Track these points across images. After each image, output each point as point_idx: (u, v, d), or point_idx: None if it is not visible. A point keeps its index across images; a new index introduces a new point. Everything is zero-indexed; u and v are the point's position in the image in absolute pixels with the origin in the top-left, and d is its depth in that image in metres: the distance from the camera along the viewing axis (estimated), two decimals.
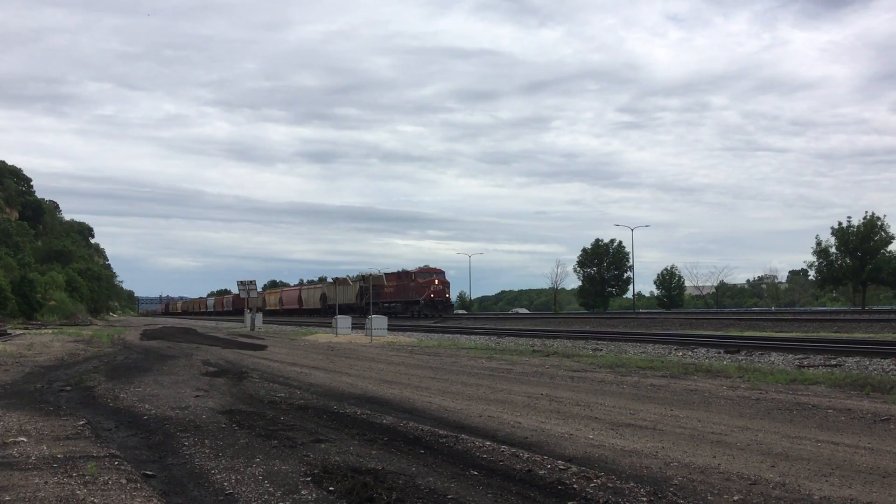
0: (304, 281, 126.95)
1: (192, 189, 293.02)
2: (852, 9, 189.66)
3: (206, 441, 7.42)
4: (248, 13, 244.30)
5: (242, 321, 50.04)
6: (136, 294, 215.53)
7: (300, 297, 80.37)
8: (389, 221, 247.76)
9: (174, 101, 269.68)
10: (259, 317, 44.99)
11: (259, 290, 65.70)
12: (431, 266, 59.60)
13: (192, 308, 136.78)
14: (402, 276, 58.57)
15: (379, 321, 29.30)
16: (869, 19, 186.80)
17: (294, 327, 44.60)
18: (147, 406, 10.02)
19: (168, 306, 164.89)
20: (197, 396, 10.95)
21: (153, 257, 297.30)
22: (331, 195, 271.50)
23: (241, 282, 46.29)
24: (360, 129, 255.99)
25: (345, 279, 43.37)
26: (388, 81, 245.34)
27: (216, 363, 17.24)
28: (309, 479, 5.81)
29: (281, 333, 36.12)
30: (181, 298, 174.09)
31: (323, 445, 7.10)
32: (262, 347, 23.91)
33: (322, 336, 31.00)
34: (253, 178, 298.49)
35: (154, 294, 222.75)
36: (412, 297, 55.73)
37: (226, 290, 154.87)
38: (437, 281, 55.53)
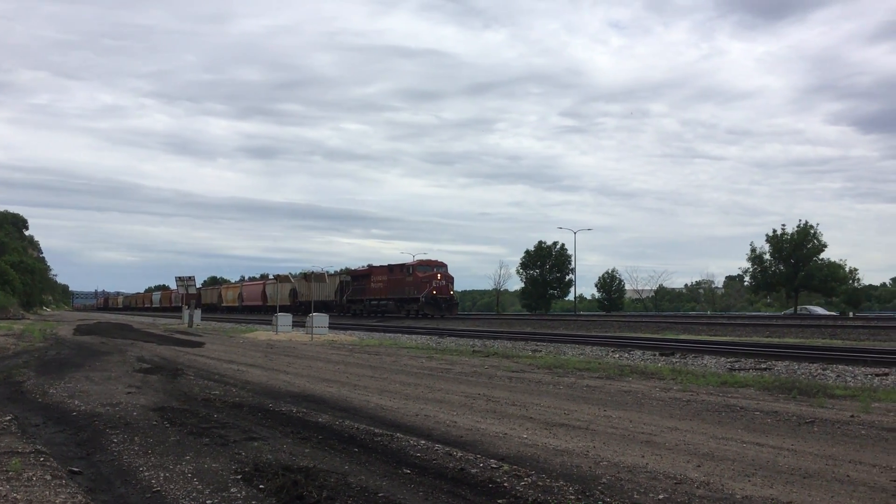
0: (247, 278, 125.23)
1: (130, 182, 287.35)
2: (788, 21, 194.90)
3: (136, 438, 7.30)
4: (190, 4, 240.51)
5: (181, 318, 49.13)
6: (71, 288, 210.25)
7: (264, 292, 73.73)
8: (332, 220, 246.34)
9: (111, 92, 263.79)
10: (198, 313, 44.28)
11: (198, 286, 64.17)
12: (432, 259, 53.03)
13: (135, 303, 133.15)
14: (396, 269, 51.74)
15: (320, 319, 29.08)
16: (804, 32, 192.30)
17: (233, 324, 44.01)
18: (77, 402, 9.82)
19: (107, 301, 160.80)
20: (129, 393, 10.76)
21: (89, 251, 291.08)
22: (273, 192, 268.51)
23: (180, 278, 45.52)
24: (304, 125, 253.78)
25: (321, 273, 41.05)
26: (333, 78, 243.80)
27: (150, 360, 16.93)
28: (239, 476, 5.76)
29: (220, 330, 35.62)
30: (118, 293, 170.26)
31: (256, 443, 7.04)
32: (200, 344, 23.55)
33: (262, 334, 30.66)
34: (192, 173, 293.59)
35: (89, 288, 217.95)
36: (410, 294, 48.99)
37: (164, 285, 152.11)
38: (439, 275, 48.75)
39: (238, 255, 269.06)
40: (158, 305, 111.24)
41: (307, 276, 36.54)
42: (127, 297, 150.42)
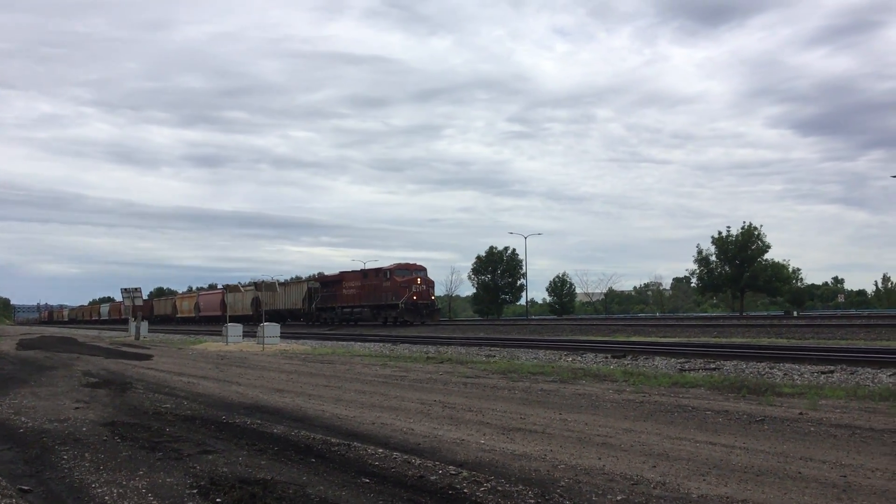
0: (195, 288, 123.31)
1: (71, 192, 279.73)
2: (727, 27, 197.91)
3: (87, 454, 7.13)
4: (131, 11, 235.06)
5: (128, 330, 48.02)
6: (13, 302, 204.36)
7: (223, 301, 67.51)
8: (281, 228, 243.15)
9: (50, 101, 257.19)
10: (144, 325, 43.46)
11: (145, 297, 62.68)
12: (410, 262, 48.98)
13: (81, 316, 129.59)
14: (371, 274, 49.04)
15: (271, 329, 28.79)
16: (743, 37, 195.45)
17: (182, 336, 43.34)
18: (23, 419, 9.56)
19: (52, 314, 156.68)
20: (77, 408, 10.52)
21: (30, 264, 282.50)
22: (219, 200, 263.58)
23: (126, 289, 44.55)
24: (250, 133, 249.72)
25: (272, 282, 39.14)
26: (278, 85, 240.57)
27: (98, 374, 16.58)
28: (195, 491, 5.67)
29: (168, 342, 35.06)
30: (62, 306, 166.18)
31: (210, 457, 6.93)
32: (148, 357, 23.13)
33: (212, 345, 30.24)
34: (136, 182, 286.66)
35: (32, 302, 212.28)
36: (387, 300, 46.14)
37: (110, 297, 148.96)
38: (419, 280, 45.95)
39: (185, 265, 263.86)
40: (107, 318, 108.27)
41: (258, 286, 35.59)
42: (73, 309, 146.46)
